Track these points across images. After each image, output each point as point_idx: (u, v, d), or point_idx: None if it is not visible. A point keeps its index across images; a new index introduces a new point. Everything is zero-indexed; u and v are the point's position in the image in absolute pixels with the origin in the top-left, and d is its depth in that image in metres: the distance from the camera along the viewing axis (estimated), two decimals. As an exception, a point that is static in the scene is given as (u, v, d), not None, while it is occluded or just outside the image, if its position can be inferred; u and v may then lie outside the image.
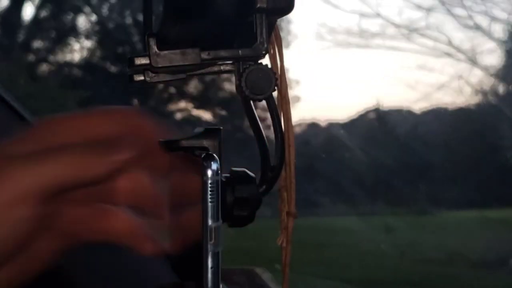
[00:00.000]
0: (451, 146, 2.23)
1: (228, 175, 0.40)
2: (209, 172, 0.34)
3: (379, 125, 2.27)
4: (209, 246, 0.34)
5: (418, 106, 2.29)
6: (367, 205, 2.20)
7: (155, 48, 0.35)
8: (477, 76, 2.35)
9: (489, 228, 2.07)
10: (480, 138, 2.15)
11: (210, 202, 0.34)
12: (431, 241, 2.12)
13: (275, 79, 0.37)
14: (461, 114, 2.12)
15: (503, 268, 1.92)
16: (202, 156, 0.35)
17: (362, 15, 1.86)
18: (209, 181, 0.34)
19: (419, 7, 1.82)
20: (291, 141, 0.39)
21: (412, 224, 2.21)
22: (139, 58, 0.37)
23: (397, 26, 1.87)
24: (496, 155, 2.07)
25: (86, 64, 2.49)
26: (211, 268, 0.34)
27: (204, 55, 0.36)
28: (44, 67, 2.64)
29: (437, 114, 2.20)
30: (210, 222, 0.33)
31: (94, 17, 2.42)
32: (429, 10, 1.83)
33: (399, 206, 2.24)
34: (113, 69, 2.50)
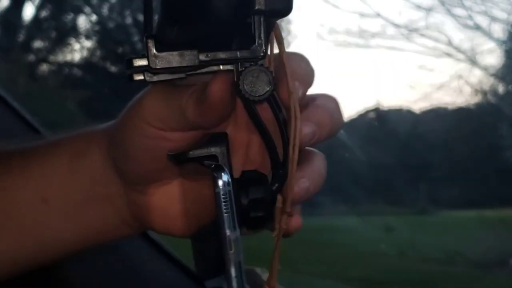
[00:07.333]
0: (451, 146, 2.23)
1: (239, 177, 0.39)
2: (220, 183, 0.34)
3: (379, 125, 2.27)
4: (230, 256, 0.33)
5: (418, 106, 2.28)
6: (367, 205, 2.20)
7: (153, 50, 0.35)
8: (477, 76, 2.35)
9: (489, 228, 2.07)
10: (480, 138, 2.14)
11: (225, 212, 0.33)
12: (431, 241, 2.12)
13: (273, 79, 0.37)
14: (461, 114, 2.11)
15: (503, 268, 1.92)
16: (212, 167, 0.34)
17: (362, 15, 1.86)
18: (222, 192, 0.33)
19: (419, 7, 1.82)
20: (297, 141, 0.39)
21: (412, 224, 2.21)
22: (137, 59, 0.36)
23: (397, 26, 1.87)
24: (496, 155, 2.06)
25: (86, 64, 2.49)
26: (235, 277, 0.33)
27: (202, 57, 0.36)
28: (44, 67, 2.64)
29: (437, 114, 2.20)
30: (228, 232, 0.33)
31: (94, 17, 2.42)
32: (429, 10, 1.83)
33: (399, 206, 2.24)
34: (113, 69, 2.50)
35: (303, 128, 0.39)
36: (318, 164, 0.42)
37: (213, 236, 0.35)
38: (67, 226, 0.46)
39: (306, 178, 0.40)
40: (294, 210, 0.40)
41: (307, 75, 0.41)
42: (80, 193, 0.45)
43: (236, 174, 0.39)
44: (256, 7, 0.34)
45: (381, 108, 2.19)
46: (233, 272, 0.33)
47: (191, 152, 0.38)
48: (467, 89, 2.00)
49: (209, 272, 0.38)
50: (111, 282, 0.83)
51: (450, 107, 2.14)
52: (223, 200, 0.33)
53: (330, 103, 0.43)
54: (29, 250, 0.46)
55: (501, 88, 1.99)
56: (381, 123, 2.26)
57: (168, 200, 0.43)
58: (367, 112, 2.20)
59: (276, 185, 0.39)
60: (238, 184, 0.38)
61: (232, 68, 0.38)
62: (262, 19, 0.35)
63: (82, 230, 0.46)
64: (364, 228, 2.08)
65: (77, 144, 0.46)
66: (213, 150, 0.38)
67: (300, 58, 0.42)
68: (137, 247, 0.87)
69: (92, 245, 0.47)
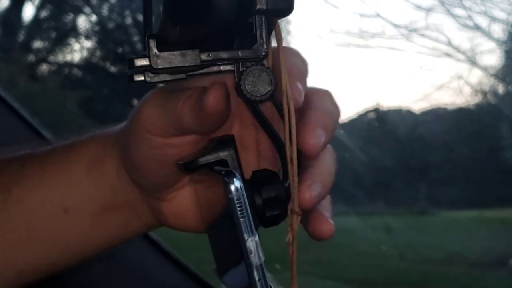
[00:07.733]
0: (451, 146, 2.23)
1: (251, 178, 0.40)
2: (233, 188, 0.34)
3: (378, 125, 2.27)
4: (251, 260, 0.34)
5: (418, 106, 2.28)
6: (367, 205, 2.19)
7: (155, 50, 0.35)
8: (477, 76, 2.35)
9: (489, 228, 2.07)
10: (480, 138, 2.14)
11: (241, 217, 0.34)
12: (431, 241, 2.12)
13: (275, 78, 0.37)
14: (461, 114, 2.11)
15: (503, 268, 1.92)
16: (222, 173, 0.35)
17: (362, 15, 1.86)
18: (235, 198, 0.34)
19: (419, 7, 1.82)
20: (294, 140, 0.39)
21: (412, 224, 2.21)
22: (138, 59, 0.36)
23: (397, 26, 1.87)
24: (496, 155, 2.06)
25: (86, 64, 2.49)
26: (259, 280, 0.34)
27: (204, 57, 0.36)
28: (44, 67, 2.64)
29: (437, 114, 2.20)
30: (246, 236, 0.33)
31: (94, 17, 2.42)
32: (429, 10, 1.83)
33: (399, 206, 2.24)
34: (113, 69, 2.50)
35: (312, 136, 0.38)
36: (327, 162, 0.41)
37: (227, 227, 0.35)
38: (90, 233, 0.45)
39: (318, 183, 0.39)
40: (319, 211, 0.40)
41: (302, 70, 0.41)
42: (101, 201, 0.44)
43: (251, 171, 0.40)
44: (258, 7, 0.34)
45: (381, 108, 2.19)
46: (256, 275, 0.34)
47: (199, 159, 0.38)
48: (467, 90, 2.00)
49: (228, 264, 0.38)
50: (111, 282, 0.83)
51: (450, 107, 2.14)
52: (237, 205, 0.34)
53: (326, 101, 0.42)
54: (53, 259, 0.46)
55: (501, 89, 1.99)
56: (381, 123, 2.26)
57: (187, 203, 0.43)
58: (367, 112, 2.20)
59: (288, 181, 0.39)
60: (251, 185, 0.38)
61: (232, 68, 0.38)
62: (263, 19, 0.35)
63: (106, 236, 0.45)
64: (364, 228, 2.08)
65: (93, 150, 0.45)
66: (222, 154, 0.38)
67: (291, 54, 0.41)
68: (136, 247, 0.87)
69: (116, 247, 0.47)
